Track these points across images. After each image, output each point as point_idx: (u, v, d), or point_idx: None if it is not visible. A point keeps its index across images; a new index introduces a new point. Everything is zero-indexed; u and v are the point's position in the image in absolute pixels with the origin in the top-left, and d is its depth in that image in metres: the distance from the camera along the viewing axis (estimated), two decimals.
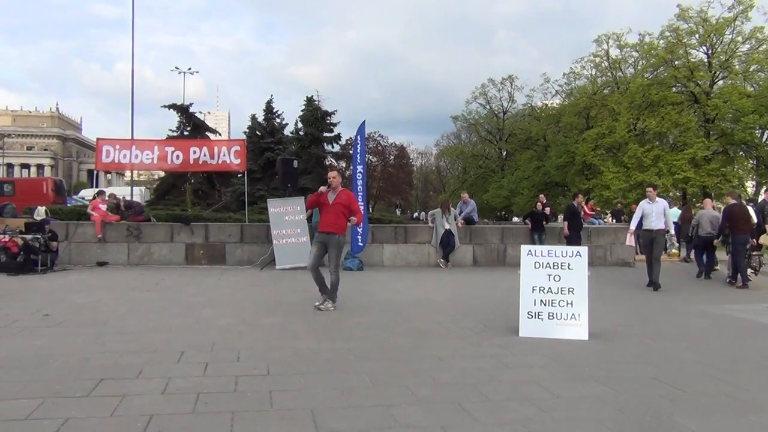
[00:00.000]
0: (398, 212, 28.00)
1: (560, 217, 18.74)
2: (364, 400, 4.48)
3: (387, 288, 11.20)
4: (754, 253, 12.86)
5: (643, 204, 12.04)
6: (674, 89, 36.00)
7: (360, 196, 14.33)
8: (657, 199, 11.97)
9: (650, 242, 11.88)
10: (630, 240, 12.72)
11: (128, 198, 19.43)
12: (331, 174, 8.70)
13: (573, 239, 14.84)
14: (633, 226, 12.09)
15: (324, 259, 8.54)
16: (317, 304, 8.39)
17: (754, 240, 12.69)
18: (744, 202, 14.10)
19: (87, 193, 31.93)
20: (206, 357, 5.62)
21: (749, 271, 12.51)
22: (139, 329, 6.85)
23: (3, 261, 12.49)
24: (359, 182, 14.56)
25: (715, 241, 13.41)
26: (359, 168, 14.70)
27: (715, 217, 13.60)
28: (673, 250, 18.34)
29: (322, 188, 8.47)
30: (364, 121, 15.13)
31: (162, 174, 35.01)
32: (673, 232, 14.00)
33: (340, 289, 8.61)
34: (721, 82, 35.25)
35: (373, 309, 8.69)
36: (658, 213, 11.71)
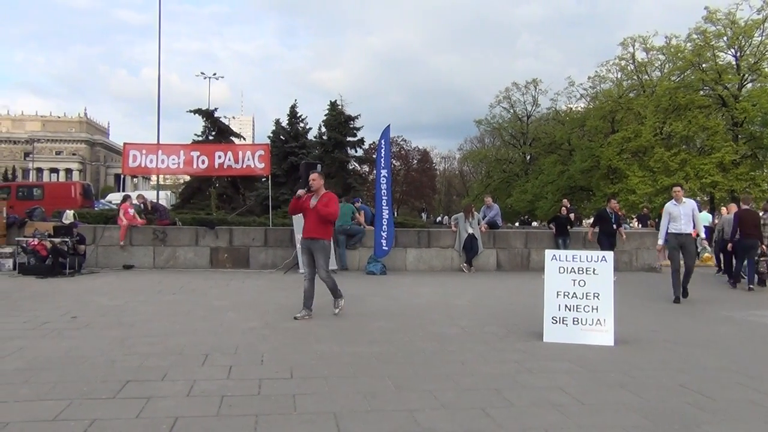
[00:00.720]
0: (424, 217, 27.82)
1: (585, 221, 18.56)
2: (387, 404, 4.47)
3: (410, 292, 11.18)
4: (762, 258, 12.76)
5: (669, 206, 10.76)
6: (701, 92, 35.54)
7: (384, 200, 14.34)
8: (684, 199, 10.73)
9: (678, 248, 10.55)
10: (663, 257, 11.31)
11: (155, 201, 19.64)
12: (313, 176, 8.12)
13: (603, 246, 13.55)
14: (661, 237, 10.79)
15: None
16: (298, 315, 7.92)
17: (764, 246, 12.68)
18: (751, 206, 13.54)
19: (114, 197, 32.31)
20: (230, 360, 5.66)
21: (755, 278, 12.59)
22: (164, 332, 6.93)
23: (32, 264, 12.72)
24: (383, 186, 14.49)
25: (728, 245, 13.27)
26: (383, 172, 14.61)
27: None
28: (706, 254, 17.63)
29: (301, 192, 8.05)
30: (388, 126, 15.15)
31: (187, 178, 35.30)
32: (703, 235, 12.83)
33: (361, 292, 8.66)
34: (750, 85, 34.74)
35: (397, 313, 8.68)
36: (686, 215, 10.46)
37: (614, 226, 14.18)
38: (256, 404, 4.40)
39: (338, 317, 8.16)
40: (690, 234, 10.60)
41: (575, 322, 6.82)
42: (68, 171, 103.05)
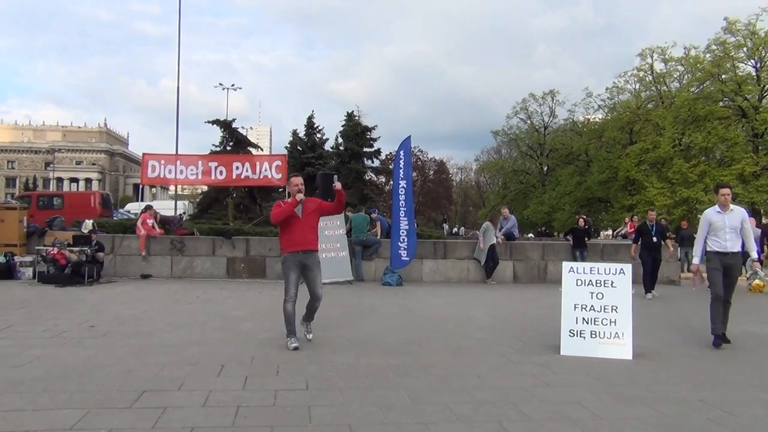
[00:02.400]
0: (446, 228, 27.42)
1: (604, 233, 18.34)
2: (402, 416, 4.45)
3: (426, 304, 11.15)
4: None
5: (711, 214, 7.72)
6: (721, 103, 35.27)
7: (403, 211, 14.29)
8: (733, 206, 7.69)
9: (723, 271, 7.56)
10: (700, 281, 8.15)
11: (164, 213, 19.77)
12: (296, 180, 7.02)
13: (645, 262, 12.97)
14: (697, 255, 7.92)
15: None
16: (295, 345, 6.66)
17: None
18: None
19: (133, 207, 32.60)
20: (246, 370, 5.67)
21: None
22: (181, 341, 6.96)
23: (51, 273, 12.85)
24: (401, 197, 14.39)
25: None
26: (402, 183, 14.49)
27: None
28: (757, 281, 14.53)
29: (297, 197, 6.85)
30: (409, 137, 15.09)
31: (205, 188, 35.56)
32: (755, 255, 8.84)
33: (377, 303, 8.59)
34: None
35: (413, 325, 8.65)
36: (733, 227, 7.54)
37: (654, 239, 13.06)
38: (272, 415, 4.40)
39: (354, 328, 8.15)
40: (738, 253, 7.72)
41: (593, 336, 6.76)
42: (88, 181, 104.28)
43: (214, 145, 35.61)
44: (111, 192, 68.60)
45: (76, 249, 13.05)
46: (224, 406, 4.56)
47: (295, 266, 6.77)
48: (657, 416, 4.59)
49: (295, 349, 6.56)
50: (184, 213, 28.72)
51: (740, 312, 10.96)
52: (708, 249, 7.73)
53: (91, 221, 15.94)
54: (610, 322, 6.74)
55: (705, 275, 7.85)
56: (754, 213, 34.64)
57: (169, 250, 14.69)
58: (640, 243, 13.29)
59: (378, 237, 15.10)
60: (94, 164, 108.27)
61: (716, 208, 7.76)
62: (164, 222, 16.45)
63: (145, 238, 14.48)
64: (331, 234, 14.08)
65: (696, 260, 7.99)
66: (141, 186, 18.17)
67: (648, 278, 13.08)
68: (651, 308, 10.80)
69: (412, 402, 4.81)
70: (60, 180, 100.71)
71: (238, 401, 4.69)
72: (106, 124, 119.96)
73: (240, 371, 5.63)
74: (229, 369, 5.71)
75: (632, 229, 20.35)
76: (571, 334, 6.82)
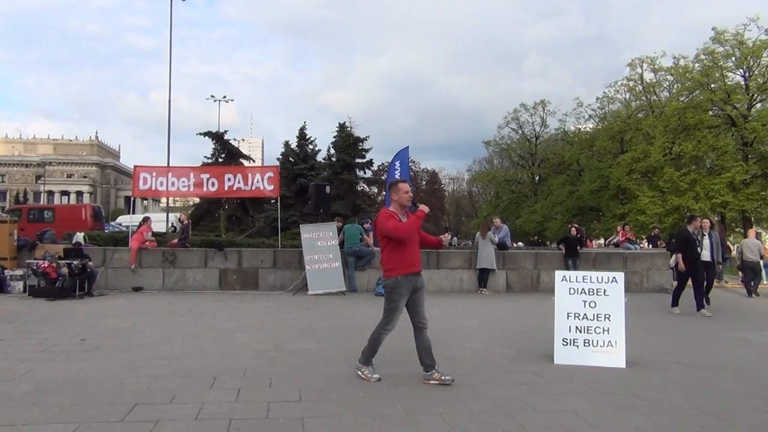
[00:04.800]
0: (448, 237, 27.05)
1: (595, 242, 18.39)
2: (396, 428, 4.42)
3: None
4: None
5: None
6: (711, 112, 35.47)
7: None
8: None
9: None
10: None
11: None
12: (405, 187, 5.97)
13: (694, 274, 11.52)
14: None
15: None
16: (377, 376, 5.93)
17: None
18: None
19: (124, 220, 32.49)
20: (239, 383, 5.63)
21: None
22: (173, 354, 6.91)
23: (42, 286, 12.75)
24: None
25: None
26: None
27: (756, 244, 14.35)
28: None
29: (424, 208, 5.85)
30: (406, 147, 15.12)
31: (197, 200, 35.49)
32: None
33: (371, 314, 8.44)
34: (759, 105, 34.67)
35: (407, 335, 8.60)
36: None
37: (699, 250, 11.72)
38: (265, 427, 4.37)
39: (348, 339, 8.11)
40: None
41: (586, 344, 6.76)
42: (79, 194, 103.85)
43: (205, 157, 35.65)
44: (102, 205, 68.25)
45: (66, 262, 12.95)
46: (217, 419, 4.53)
47: (408, 292, 5.81)
48: (651, 424, 4.59)
49: (378, 380, 5.82)
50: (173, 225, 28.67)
51: (735, 319, 11.01)
52: None
53: (82, 234, 15.87)
54: (603, 330, 6.74)
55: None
56: (744, 221, 34.88)
57: (161, 262, 14.62)
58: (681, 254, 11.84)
59: (371, 247, 15.08)
60: (85, 177, 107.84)
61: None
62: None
63: (136, 251, 14.40)
64: (324, 245, 14.07)
65: None
66: (132, 198, 18.10)
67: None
68: (644, 317, 10.80)
69: (406, 413, 4.79)
70: (51, 193, 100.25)
71: (231, 414, 4.66)
72: (97, 137, 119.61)
73: (233, 383, 5.59)
74: (221, 381, 5.67)
75: (624, 238, 20.45)
76: (565, 343, 6.82)
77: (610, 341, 6.70)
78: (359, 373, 5.90)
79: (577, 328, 6.81)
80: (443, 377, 5.76)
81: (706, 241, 11.87)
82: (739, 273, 17.04)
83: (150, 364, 6.33)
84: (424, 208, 5.79)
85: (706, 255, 11.72)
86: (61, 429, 4.22)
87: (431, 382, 5.74)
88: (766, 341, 8.76)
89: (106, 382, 5.55)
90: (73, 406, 4.78)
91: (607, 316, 6.78)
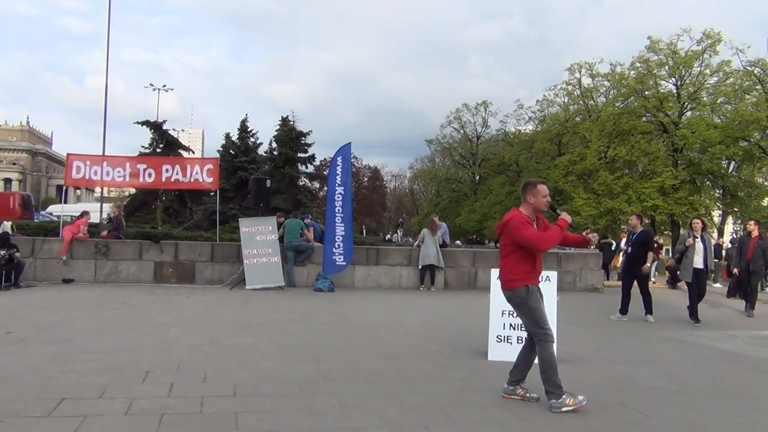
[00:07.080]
0: (399, 234, 26.51)
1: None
2: (331, 422, 4.44)
3: (358, 310, 11.16)
4: None
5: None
6: (644, 119, 36.68)
7: (340, 217, 14.25)
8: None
9: None
10: None
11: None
12: (545, 190, 5.31)
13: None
14: None
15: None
16: (537, 396, 5.26)
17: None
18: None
19: (55, 209, 31.37)
20: (172, 377, 5.53)
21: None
22: (103, 348, 6.73)
23: None
24: (338, 203, 14.33)
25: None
26: (339, 189, 14.41)
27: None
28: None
29: (567, 218, 5.31)
30: (348, 143, 14.98)
31: (132, 190, 34.62)
32: None
33: (309, 309, 8.53)
34: (689, 113, 36.01)
35: (344, 331, 8.65)
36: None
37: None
38: (197, 423, 4.32)
39: (284, 335, 8.07)
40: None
41: (519, 341, 6.88)
42: (8, 181, 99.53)
43: (143, 147, 34.82)
44: (33, 193, 65.65)
45: None
46: (148, 414, 4.44)
47: (540, 297, 5.28)
48: (579, 419, 4.74)
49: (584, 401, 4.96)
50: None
51: (662, 320, 11.43)
52: None
53: (10, 223, 15.27)
54: None
55: None
56: (673, 224, 36.25)
57: (93, 253, 14.18)
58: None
59: (311, 243, 15.02)
60: (14, 164, 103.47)
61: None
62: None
63: (69, 242, 13.93)
64: (263, 239, 13.94)
65: None
66: (65, 187, 17.52)
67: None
68: (575, 315, 11.12)
69: (341, 408, 4.81)
70: None
71: (163, 409, 4.58)
72: (28, 123, 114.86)
73: (165, 378, 5.50)
74: (154, 376, 5.56)
75: None
76: (499, 340, 6.96)
77: None
78: (564, 409, 4.87)
79: (511, 325, 6.95)
80: (527, 394, 5.28)
81: (699, 245, 10.70)
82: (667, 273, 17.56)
83: (79, 358, 6.15)
84: (566, 216, 5.28)
85: (698, 261, 10.66)
86: None
87: (512, 397, 5.28)
88: (687, 340, 9.15)
89: (31, 377, 5.36)
90: None
91: None
